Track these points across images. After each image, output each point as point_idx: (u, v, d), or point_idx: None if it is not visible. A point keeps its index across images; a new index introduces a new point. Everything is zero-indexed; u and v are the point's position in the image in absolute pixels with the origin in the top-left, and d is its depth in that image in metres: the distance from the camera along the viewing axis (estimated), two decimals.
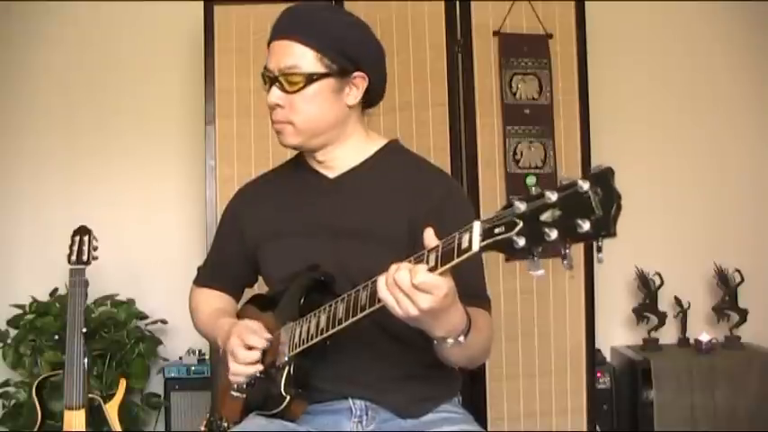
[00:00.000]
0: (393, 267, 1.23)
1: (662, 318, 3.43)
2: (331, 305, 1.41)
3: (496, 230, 1.07)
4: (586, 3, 3.08)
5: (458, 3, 3.01)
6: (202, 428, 1.73)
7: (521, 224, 1.03)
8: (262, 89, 1.60)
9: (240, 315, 1.76)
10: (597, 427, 3.09)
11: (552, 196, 0.99)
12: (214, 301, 1.81)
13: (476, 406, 2.79)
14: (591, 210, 0.96)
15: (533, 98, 3.04)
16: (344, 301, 1.37)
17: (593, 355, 3.07)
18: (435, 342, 1.33)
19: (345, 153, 1.63)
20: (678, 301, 3.49)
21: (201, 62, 2.98)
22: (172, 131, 3.53)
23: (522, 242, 1.03)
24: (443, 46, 2.99)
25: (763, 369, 3.21)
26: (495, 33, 3.02)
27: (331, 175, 1.65)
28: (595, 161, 3.09)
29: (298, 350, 1.47)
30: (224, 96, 2.95)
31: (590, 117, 3.08)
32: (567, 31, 3.06)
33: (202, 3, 2.98)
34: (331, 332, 1.40)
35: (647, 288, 3.42)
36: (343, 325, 1.37)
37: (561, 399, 3.02)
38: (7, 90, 3.50)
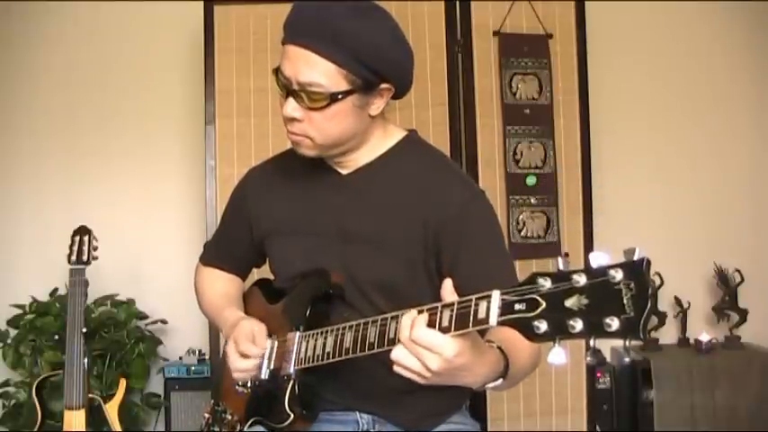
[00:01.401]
0: (407, 321, 1.15)
1: (662, 318, 3.43)
2: (339, 330, 1.37)
3: (517, 306, 0.99)
4: (586, 3, 3.09)
5: (458, 3, 3.01)
6: (206, 415, 1.73)
7: (543, 305, 0.96)
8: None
9: (246, 297, 1.75)
10: (597, 427, 3.09)
11: (580, 280, 0.92)
12: (220, 283, 1.78)
13: (476, 406, 2.78)
14: (621, 307, 0.88)
15: (533, 98, 3.04)
16: (353, 330, 1.33)
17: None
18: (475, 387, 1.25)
19: (362, 153, 1.54)
20: (678, 301, 3.48)
21: (201, 62, 2.98)
22: (172, 131, 3.53)
23: (543, 327, 0.95)
24: (443, 46, 2.99)
25: (763, 369, 3.21)
26: (495, 33, 3.02)
27: (344, 171, 1.56)
28: (595, 161, 3.10)
29: (303, 366, 1.45)
30: (224, 96, 2.95)
31: (590, 117, 3.08)
32: (567, 31, 3.06)
33: (202, 3, 2.98)
34: (337, 360, 1.36)
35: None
36: (350, 356, 1.33)
37: (561, 399, 3.02)
38: (7, 90, 3.50)
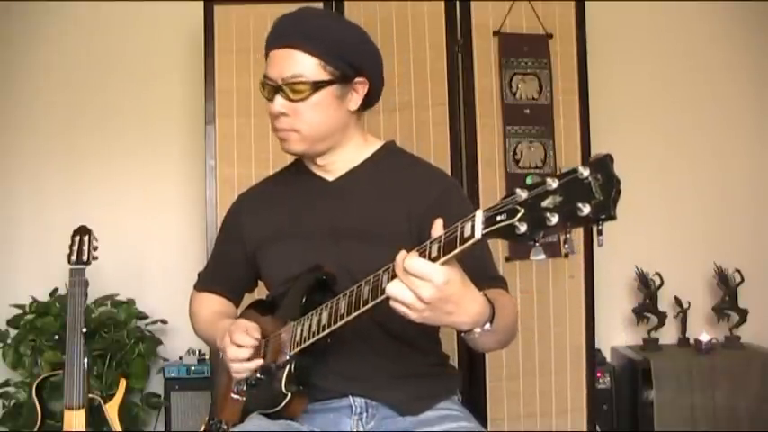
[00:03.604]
0: (399, 258, 1.21)
1: (662, 318, 3.43)
2: (333, 302, 1.41)
3: (498, 218, 1.07)
4: (586, 3, 3.09)
5: (458, 3, 3.01)
6: (202, 431, 1.74)
7: (522, 211, 1.03)
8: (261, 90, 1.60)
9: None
10: (597, 427, 3.09)
11: (553, 183, 1.00)
12: (213, 304, 1.82)
13: (476, 406, 2.79)
14: (591, 194, 0.97)
15: (533, 98, 3.04)
16: (346, 296, 1.37)
17: (593, 355, 3.07)
18: (463, 334, 1.31)
19: (345, 156, 1.65)
20: (678, 301, 3.48)
21: (201, 62, 2.98)
22: (172, 131, 3.53)
23: (523, 228, 1.03)
24: (443, 46, 2.99)
25: (763, 369, 3.21)
26: (495, 33, 3.02)
27: (330, 177, 1.66)
28: None
29: (299, 348, 1.47)
30: (224, 96, 2.95)
31: (590, 117, 3.08)
32: (567, 31, 3.06)
33: (202, 3, 2.98)
34: (333, 328, 1.39)
35: (647, 288, 3.42)
36: (345, 320, 1.36)
37: (561, 399, 3.02)
38: (7, 90, 3.51)
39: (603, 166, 0.98)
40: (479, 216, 1.11)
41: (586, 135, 3.07)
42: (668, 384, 3.17)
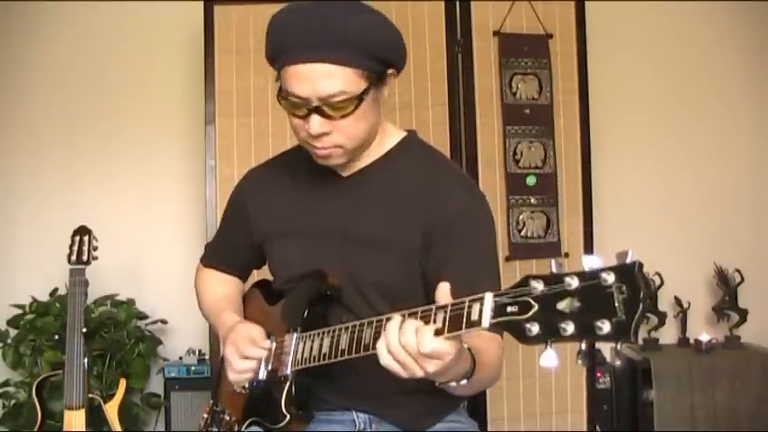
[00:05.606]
0: (394, 326, 1.17)
1: (662, 318, 3.43)
2: (335, 332, 1.38)
3: (509, 309, 1.00)
4: (586, 3, 3.09)
5: (458, 3, 3.01)
6: (204, 415, 1.73)
7: (536, 308, 0.96)
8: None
9: (246, 299, 1.75)
10: (597, 427, 3.09)
11: (573, 282, 0.92)
12: (220, 285, 1.78)
13: (476, 406, 2.79)
14: (613, 310, 0.88)
15: (533, 98, 3.04)
16: (348, 331, 1.34)
17: (593, 355, 3.07)
18: (437, 383, 1.28)
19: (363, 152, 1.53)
20: (678, 301, 3.48)
21: (201, 62, 2.98)
22: (172, 131, 3.53)
23: (535, 330, 0.96)
24: (443, 46, 2.99)
25: (763, 369, 3.21)
26: (495, 33, 3.02)
27: (345, 172, 1.55)
28: (595, 161, 3.10)
29: (299, 367, 1.45)
30: (224, 96, 2.95)
31: (590, 117, 3.08)
32: (567, 31, 3.06)
33: (202, 3, 2.98)
34: (333, 361, 1.37)
35: (648, 288, 3.41)
36: (345, 358, 1.34)
37: (561, 399, 3.02)
38: (7, 90, 3.50)
39: (630, 275, 0.88)
40: (489, 302, 1.04)
41: (586, 135, 3.07)
42: (668, 384, 3.17)
